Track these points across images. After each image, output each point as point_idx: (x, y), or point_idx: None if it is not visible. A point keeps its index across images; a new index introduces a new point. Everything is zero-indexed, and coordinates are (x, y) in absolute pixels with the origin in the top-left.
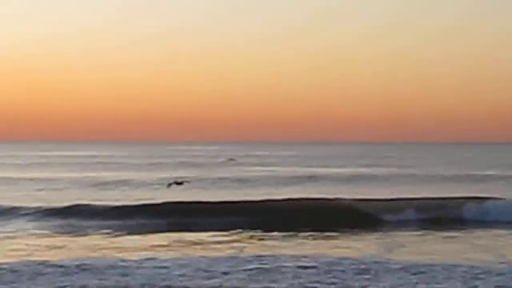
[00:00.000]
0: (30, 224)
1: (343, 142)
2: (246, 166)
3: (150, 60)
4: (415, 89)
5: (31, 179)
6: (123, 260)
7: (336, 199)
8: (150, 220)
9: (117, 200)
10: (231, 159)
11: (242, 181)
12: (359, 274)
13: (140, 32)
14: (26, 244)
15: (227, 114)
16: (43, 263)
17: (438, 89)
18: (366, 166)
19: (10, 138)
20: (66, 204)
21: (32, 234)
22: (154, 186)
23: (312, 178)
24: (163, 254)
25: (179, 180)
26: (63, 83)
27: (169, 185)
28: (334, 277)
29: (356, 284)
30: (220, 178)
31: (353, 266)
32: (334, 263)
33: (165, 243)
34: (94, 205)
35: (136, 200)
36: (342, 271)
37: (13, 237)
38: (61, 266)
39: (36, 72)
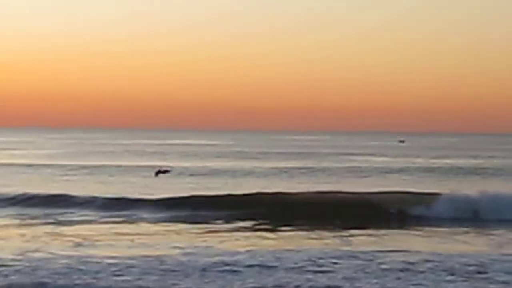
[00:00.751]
0: (153, 215)
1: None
2: (357, 156)
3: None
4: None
5: (147, 167)
6: (230, 253)
7: (433, 193)
8: (257, 209)
9: (233, 189)
10: (401, 141)
11: (353, 171)
12: (478, 272)
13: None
14: (158, 237)
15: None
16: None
17: None
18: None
19: (136, 127)
20: (182, 194)
21: (157, 224)
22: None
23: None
24: (267, 245)
25: (163, 169)
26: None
27: (157, 174)
28: (452, 274)
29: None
30: (331, 168)
31: (472, 263)
32: (447, 261)
33: (267, 234)
34: (209, 195)
35: (248, 189)
36: (459, 268)
37: (137, 228)
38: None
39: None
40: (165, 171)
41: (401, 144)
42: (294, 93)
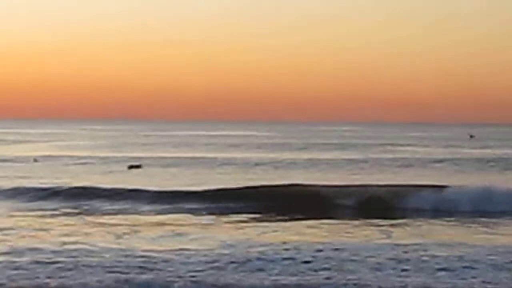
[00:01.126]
0: (193, 206)
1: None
2: (402, 146)
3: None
4: None
5: (190, 158)
6: (269, 245)
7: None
8: (295, 201)
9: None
10: (471, 136)
11: (395, 161)
12: None
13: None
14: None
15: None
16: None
17: None
18: None
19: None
20: (224, 186)
21: (197, 216)
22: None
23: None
24: (306, 238)
25: (135, 164)
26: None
27: (130, 167)
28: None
29: None
30: (377, 159)
31: None
32: (491, 253)
33: (306, 226)
34: (248, 186)
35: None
36: (504, 260)
37: (178, 220)
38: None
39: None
40: (137, 166)
41: (472, 138)
42: (323, 83)
